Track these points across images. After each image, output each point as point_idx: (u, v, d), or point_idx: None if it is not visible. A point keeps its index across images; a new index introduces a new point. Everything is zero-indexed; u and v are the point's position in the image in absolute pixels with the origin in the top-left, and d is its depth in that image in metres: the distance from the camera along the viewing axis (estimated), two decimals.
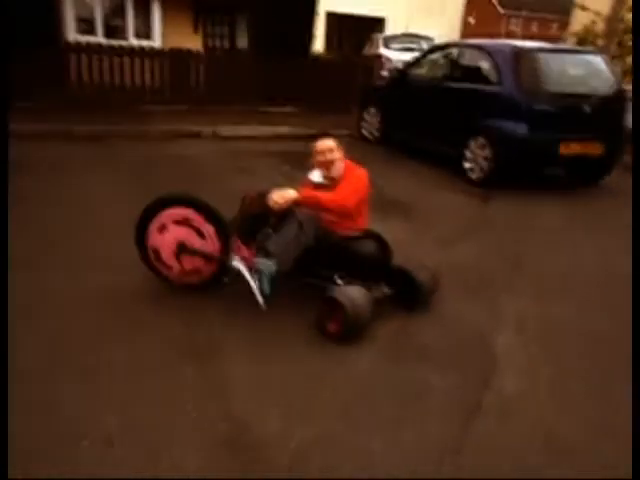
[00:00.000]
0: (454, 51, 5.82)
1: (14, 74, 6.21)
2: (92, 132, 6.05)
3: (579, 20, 10.73)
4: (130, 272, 2.75)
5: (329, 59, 10.93)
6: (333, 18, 16.76)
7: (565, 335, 2.55)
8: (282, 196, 2.36)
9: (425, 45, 12.27)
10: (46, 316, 2.40)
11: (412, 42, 13.47)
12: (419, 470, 1.67)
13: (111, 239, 3.19)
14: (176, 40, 8.29)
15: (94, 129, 6.11)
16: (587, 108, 4.82)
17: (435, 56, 6.21)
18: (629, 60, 8.02)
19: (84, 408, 1.85)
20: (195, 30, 8.90)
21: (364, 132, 6.96)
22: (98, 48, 7.35)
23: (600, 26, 9.16)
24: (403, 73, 6.46)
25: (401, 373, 2.14)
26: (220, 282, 2.57)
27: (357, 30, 17.13)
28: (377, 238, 2.59)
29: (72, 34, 7.96)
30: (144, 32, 8.66)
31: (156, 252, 2.54)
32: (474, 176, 5.16)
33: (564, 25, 19.86)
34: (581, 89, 5.03)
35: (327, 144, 2.59)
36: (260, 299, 2.29)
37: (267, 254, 2.30)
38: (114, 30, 8.51)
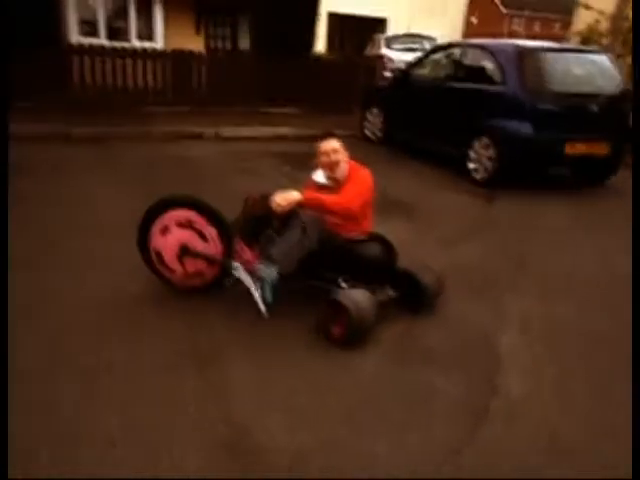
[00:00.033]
0: (457, 51, 5.80)
1: (16, 75, 6.23)
2: (94, 134, 6.05)
3: (582, 19, 10.65)
4: (132, 274, 2.73)
5: (331, 60, 10.91)
6: (335, 18, 16.74)
7: (569, 335, 2.52)
8: (285, 198, 2.33)
9: (427, 45, 12.23)
10: (46, 316, 2.39)
11: (414, 42, 13.44)
12: (423, 472, 1.65)
13: (112, 240, 3.17)
14: (178, 41, 8.29)
15: (96, 131, 6.11)
16: (593, 107, 4.79)
17: (438, 56, 6.18)
18: None
19: (84, 408, 1.84)
20: (197, 31, 8.91)
21: (367, 132, 6.93)
22: (100, 50, 7.36)
23: (604, 25, 9.10)
24: (406, 73, 6.43)
25: (406, 376, 2.12)
26: (222, 285, 2.55)
27: (359, 30, 17.11)
28: (382, 241, 2.56)
29: (75, 36, 7.98)
30: (146, 34, 8.68)
31: (158, 254, 2.52)
32: (478, 176, 5.13)
33: (567, 25, 19.77)
34: (586, 88, 4.99)
35: (332, 145, 2.56)
36: (262, 307, 2.25)
37: (269, 259, 2.26)
38: (116, 32, 8.53)
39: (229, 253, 2.47)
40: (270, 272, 2.22)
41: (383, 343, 2.32)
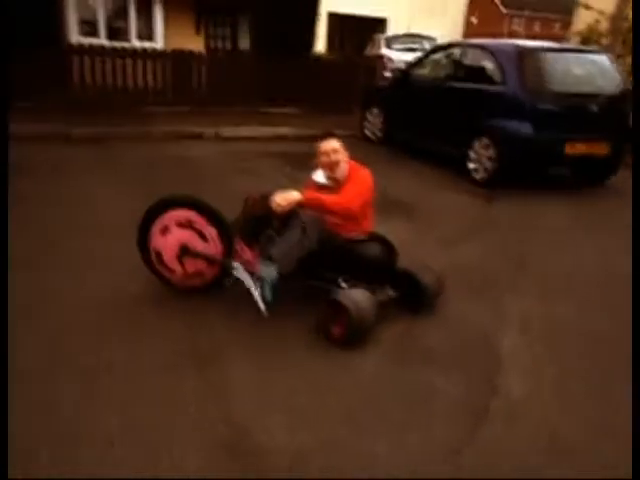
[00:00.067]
0: (457, 51, 5.80)
1: (16, 75, 6.22)
2: (94, 134, 6.05)
3: (582, 19, 10.65)
4: (131, 274, 2.73)
5: (331, 60, 10.91)
6: (335, 19, 16.74)
7: (569, 336, 2.52)
8: (285, 198, 2.33)
9: (427, 45, 12.23)
10: (46, 316, 2.39)
11: (414, 42, 13.45)
12: (423, 472, 1.65)
13: (112, 240, 3.17)
14: (178, 41, 8.29)
15: (96, 131, 6.11)
16: (593, 107, 4.79)
17: (438, 56, 6.18)
18: None
19: (84, 408, 1.84)
20: (197, 31, 8.91)
21: (366, 132, 6.93)
22: (100, 50, 7.36)
23: (604, 25, 9.10)
24: (406, 73, 6.43)
25: (406, 376, 2.12)
26: (222, 285, 2.55)
27: (359, 30, 17.11)
28: (382, 241, 2.56)
29: (75, 36, 7.98)
30: (146, 33, 8.68)
31: (158, 254, 2.52)
32: (478, 176, 5.13)
33: (566, 25, 19.76)
34: (586, 88, 4.99)
35: (332, 145, 2.56)
36: (262, 306, 2.26)
37: (269, 259, 2.26)
38: (117, 32, 8.53)
39: (229, 253, 2.47)
40: (270, 271, 2.22)
41: (383, 343, 2.32)
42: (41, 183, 4.32)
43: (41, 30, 6.77)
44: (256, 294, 2.25)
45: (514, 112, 4.83)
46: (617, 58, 6.91)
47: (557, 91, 4.79)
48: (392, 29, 16.51)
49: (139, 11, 8.55)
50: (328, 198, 2.39)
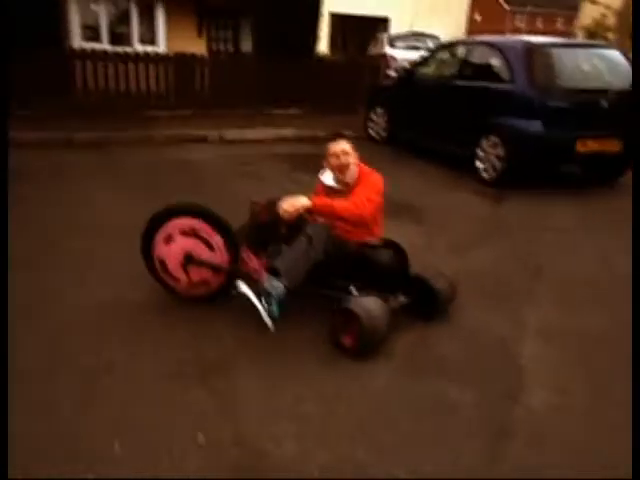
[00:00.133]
0: (462, 49, 5.71)
1: (19, 82, 6.22)
2: (97, 139, 6.01)
3: (588, 14, 10.54)
4: (134, 282, 2.67)
5: (333, 60, 10.84)
6: (337, 18, 16.66)
7: (592, 345, 2.41)
8: (292, 204, 2.25)
9: (431, 44, 12.14)
10: (47, 317, 2.36)
11: (418, 41, 13.36)
12: None
13: (115, 248, 3.10)
14: (180, 45, 8.26)
15: (99, 135, 6.07)
16: (604, 103, 4.67)
17: (443, 54, 6.09)
18: None
19: (84, 408, 1.83)
20: (199, 34, 8.88)
21: (371, 132, 6.85)
22: (103, 55, 7.33)
23: (611, 19, 8.98)
24: (410, 72, 6.35)
25: (419, 388, 2.03)
26: (229, 293, 2.48)
27: (361, 30, 17.03)
28: (394, 246, 2.47)
29: (78, 41, 7.97)
30: (149, 38, 8.66)
31: (162, 263, 2.46)
32: (486, 176, 5.03)
33: (569, 20, 19.58)
34: (597, 84, 4.88)
35: (342, 147, 2.47)
36: (269, 322, 2.15)
37: (275, 273, 2.17)
38: (119, 37, 8.52)
39: (235, 262, 2.40)
40: (276, 286, 2.13)
41: (395, 353, 2.24)
42: (43, 188, 4.27)
43: (42, 32, 6.75)
44: (262, 310, 2.14)
45: (523, 109, 4.73)
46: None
47: (567, 87, 4.69)
48: (395, 28, 16.41)
49: (141, 15, 8.53)
50: (338, 204, 2.30)
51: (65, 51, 7.24)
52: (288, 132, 6.97)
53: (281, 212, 2.26)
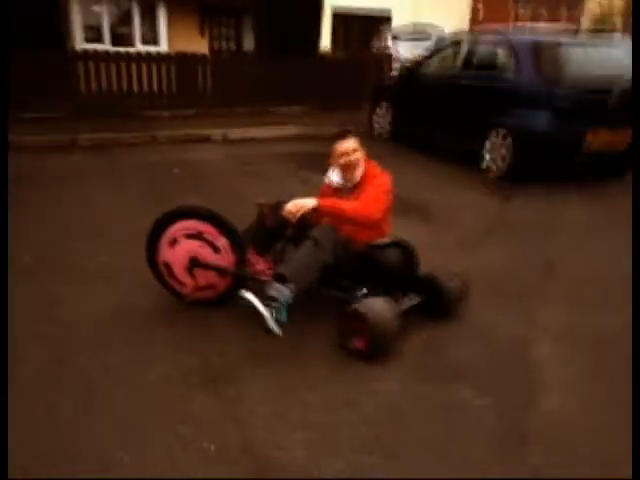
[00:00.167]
0: (468, 43, 5.60)
1: (18, 82, 6.21)
2: (100, 140, 5.99)
3: (594, 0, 10.34)
4: (143, 287, 2.64)
5: (336, 56, 10.74)
6: (339, 14, 16.53)
7: (610, 347, 2.34)
8: (297, 206, 2.19)
9: (434, 36, 11.99)
10: (49, 322, 2.35)
11: (421, 34, 13.20)
12: None
13: (120, 251, 3.08)
14: (182, 44, 8.22)
15: (102, 137, 6.05)
16: (612, 98, 4.56)
17: (448, 49, 5.99)
18: None
19: (85, 409, 1.82)
20: (201, 33, 8.83)
21: (376, 129, 6.78)
22: (105, 55, 7.32)
23: (619, 3, 8.79)
24: (415, 67, 6.26)
25: (433, 393, 1.98)
26: (235, 297, 2.44)
27: (364, 25, 16.86)
28: (403, 245, 2.41)
29: (80, 43, 7.96)
30: (151, 37, 8.63)
31: (168, 267, 2.43)
32: (494, 172, 4.95)
33: (574, 6, 19.24)
34: (605, 78, 4.76)
35: (349, 145, 2.39)
36: (276, 329, 2.09)
37: (282, 279, 2.11)
38: (121, 37, 8.49)
39: (242, 264, 2.36)
40: (283, 292, 2.08)
41: (406, 356, 2.19)
42: (46, 191, 4.26)
43: (43, 33, 6.75)
44: (269, 317, 2.08)
45: (531, 104, 4.64)
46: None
47: (575, 80, 4.58)
48: (397, 21, 16.23)
49: (143, 15, 8.50)
50: (347, 205, 2.24)
51: (67, 52, 7.22)
52: (292, 130, 6.91)
53: (286, 213, 2.21)
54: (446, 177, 5.10)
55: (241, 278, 2.38)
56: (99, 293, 2.63)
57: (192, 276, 2.40)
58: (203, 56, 7.95)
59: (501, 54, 5.06)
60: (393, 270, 2.35)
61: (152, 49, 8.14)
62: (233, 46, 9.44)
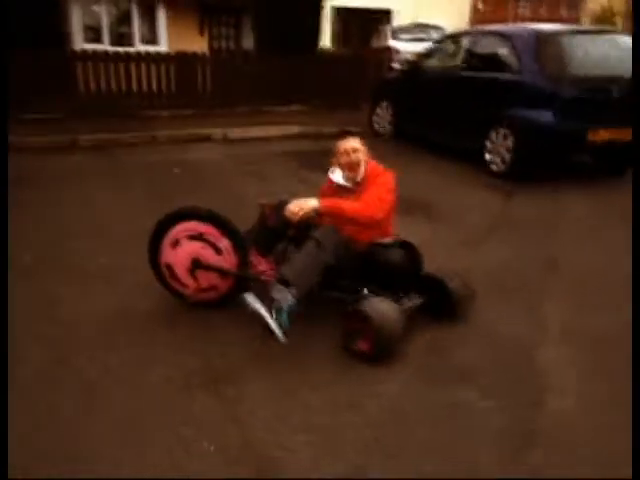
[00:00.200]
0: (469, 39, 5.59)
1: (18, 82, 6.19)
2: (100, 140, 5.97)
3: None
4: (144, 289, 2.62)
5: (335, 53, 10.72)
6: (340, 12, 16.51)
7: (618, 348, 2.30)
8: (299, 206, 2.17)
9: (435, 35, 11.96)
10: (49, 322, 2.35)
11: (422, 32, 13.17)
12: None
13: (121, 252, 3.07)
14: (182, 44, 8.19)
15: (101, 137, 6.03)
16: (616, 92, 4.55)
17: (449, 46, 5.97)
18: None
19: (85, 409, 1.82)
20: (201, 32, 8.80)
21: (376, 127, 6.76)
22: (105, 56, 7.30)
23: (619, 3, 8.78)
24: (416, 65, 6.24)
25: (437, 395, 1.97)
26: (238, 298, 2.42)
27: (364, 23, 16.85)
28: (406, 245, 2.39)
29: (79, 43, 7.94)
30: (150, 37, 8.61)
31: (170, 268, 2.42)
32: (496, 168, 4.93)
33: (574, 6, 19.19)
34: (609, 72, 4.75)
35: (352, 144, 2.38)
36: (279, 334, 2.06)
37: (284, 282, 2.09)
38: (120, 37, 8.47)
39: (244, 265, 2.34)
40: (286, 297, 2.05)
41: (410, 357, 2.17)
42: (46, 192, 4.24)
43: (43, 33, 6.71)
44: (272, 323, 2.05)
45: (533, 100, 4.62)
46: None
47: (578, 75, 4.56)
48: (398, 20, 16.21)
49: (142, 15, 8.47)
50: (349, 206, 2.22)
51: (66, 53, 7.20)
52: (292, 129, 6.89)
53: (288, 214, 2.19)
54: (449, 175, 5.08)
55: (243, 279, 2.36)
56: (99, 293, 2.63)
57: (194, 277, 2.39)
58: (203, 55, 7.93)
59: (502, 50, 5.04)
60: (396, 270, 2.32)
61: (151, 49, 8.11)
62: (233, 45, 9.41)
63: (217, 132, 6.54)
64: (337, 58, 9.45)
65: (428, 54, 6.18)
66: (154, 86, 7.56)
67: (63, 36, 7.47)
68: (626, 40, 5.02)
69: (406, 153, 5.95)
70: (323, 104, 8.27)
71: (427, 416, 1.86)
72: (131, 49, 8.02)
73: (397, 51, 11.52)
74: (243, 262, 2.35)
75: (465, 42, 5.62)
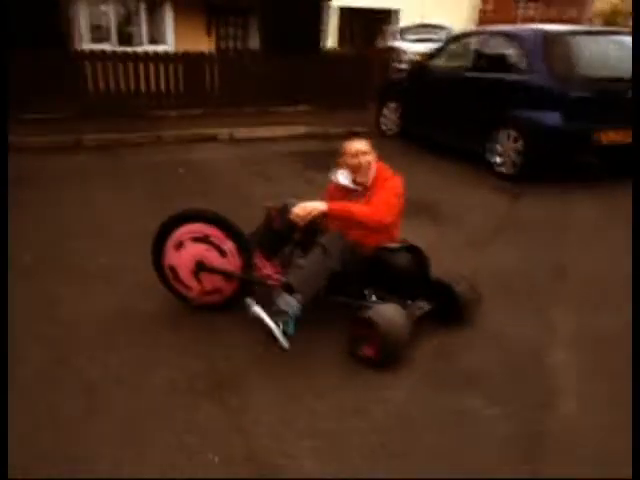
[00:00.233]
0: (476, 40, 5.54)
1: (22, 82, 6.21)
2: (106, 141, 5.97)
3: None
4: (146, 292, 2.60)
5: (341, 54, 10.69)
6: (346, 12, 16.49)
7: (623, 350, 2.26)
8: (305, 209, 2.14)
9: (442, 35, 11.91)
10: (50, 323, 2.34)
11: (428, 33, 13.13)
12: None
13: (124, 253, 3.05)
14: (189, 44, 8.19)
15: (107, 137, 6.03)
16: (625, 92, 4.48)
17: (456, 46, 5.92)
18: None
19: (86, 412, 1.81)
20: (208, 33, 8.81)
21: (383, 127, 6.73)
22: (112, 55, 7.31)
23: (628, 4, 8.68)
24: (423, 65, 6.20)
25: (444, 401, 1.93)
26: (242, 301, 2.39)
27: (370, 23, 16.82)
28: (414, 249, 2.36)
29: (87, 43, 7.96)
30: (157, 37, 8.61)
31: (173, 270, 2.39)
32: (504, 170, 4.88)
33: (583, 6, 19.05)
34: (617, 72, 4.68)
35: (360, 146, 2.34)
36: (284, 342, 2.03)
37: (289, 289, 2.05)
38: (128, 37, 8.49)
39: (248, 268, 2.31)
40: (291, 303, 2.02)
41: (417, 363, 2.13)
42: (51, 192, 4.23)
43: (45, 33, 6.72)
44: (276, 330, 2.02)
45: (541, 101, 4.57)
46: None
47: (587, 76, 4.51)
48: (405, 20, 16.16)
49: (150, 15, 8.48)
50: (358, 209, 2.18)
51: (69, 52, 7.21)
52: (299, 129, 6.87)
53: (293, 217, 2.16)
54: (456, 176, 5.04)
55: (248, 282, 2.33)
56: (99, 293, 2.61)
57: (198, 280, 2.36)
58: (211, 55, 7.93)
59: (509, 50, 4.98)
60: (403, 275, 2.29)
61: (159, 49, 8.12)
62: (240, 46, 9.41)
63: (223, 132, 6.53)
64: (342, 58, 9.42)
65: (434, 55, 6.13)
66: (162, 86, 7.56)
67: (64, 36, 7.48)
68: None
69: (413, 154, 5.91)
70: (329, 104, 8.24)
71: (434, 422, 1.83)
72: (138, 49, 8.03)
73: (403, 51, 11.49)
74: (247, 265, 2.32)
75: (472, 43, 5.58)
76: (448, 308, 2.35)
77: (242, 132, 6.61)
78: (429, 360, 2.17)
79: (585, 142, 4.58)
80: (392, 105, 6.56)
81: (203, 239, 2.31)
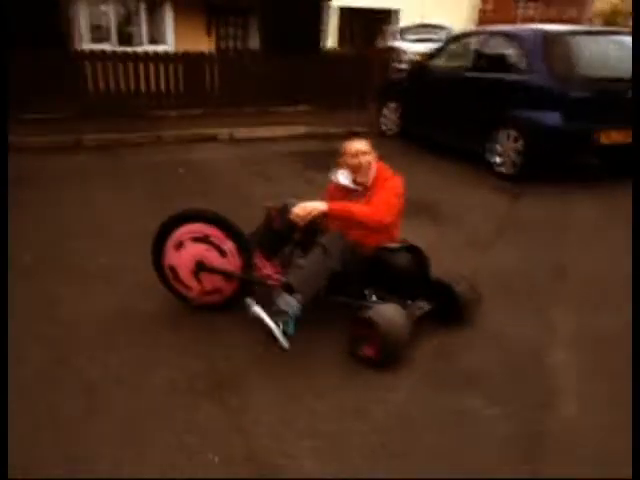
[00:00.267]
0: (477, 40, 5.54)
1: (22, 82, 6.21)
2: (105, 140, 5.97)
3: None
4: (146, 292, 2.60)
5: (341, 54, 10.69)
6: (346, 12, 16.49)
7: (623, 350, 2.26)
8: (305, 209, 2.14)
9: (442, 35, 11.91)
10: (50, 323, 2.33)
11: (428, 33, 13.13)
12: None
13: (124, 253, 3.04)
14: (189, 44, 8.19)
15: (107, 137, 6.03)
16: (625, 93, 4.48)
17: (456, 46, 5.93)
18: None
19: (87, 412, 1.81)
20: (208, 33, 8.81)
21: (383, 127, 6.73)
22: (112, 55, 7.31)
23: (628, 4, 8.67)
24: (423, 65, 6.20)
25: (444, 401, 1.93)
26: (242, 301, 2.40)
27: (370, 23, 16.82)
28: (414, 249, 2.36)
29: (87, 43, 7.96)
30: (157, 37, 8.61)
31: (173, 270, 2.39)
32: (504, 170, 4.88)
33: (582, 6, 19.06)
34: (617, 72, 4.68)
35: (360, 146, 2.34)
36: (284, 342, 2.03)
37: (289, 289, 2.05)
38: (128, 37, 8.49)
39: (248, 268, 2.31)
40: (291, 303, 2.02)
41: (417, 363, 2.14)
42: (52, 192, 4.23)
43: (45, 33, 6.72)
44: (276, 331, 2.02)
45: (541, 101, 4.57)
46: None
47: (587, 76, 4.51)
48: (405, 20, 16.17)
49: (150, 15, 8.48)
50: (359, 209, 2.18)
51: (69, 52, 7.21)
52: (299, 129, 6.87)
53: (293, 217, 2.16)
54: (456, 176, 5.04)
55: (248, 282, 2.33)
56: (99, 293, 2.61)
57: (198, 280, 2.36)
58: (211, 55, 7.93)
59: (509, 50, 4.98)
60: (403, 275, 2.29)
61: (159, 49, 8.12)
62: (240, 46, 9.41)
63: (223, 132, 6.54)
64: (342, 58, 9.42)
65: (434, 55, 6.14)
66: (162, 86, 7.56)
67: (64, 36, 7.48)
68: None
69: (413, 154, 5.91)
70: (329, 104, 8.24)
71: (434, 422, 1.83)
72: (138, 49, 8.03)
73: (403, 51, 11.49)
74: (247, 265, 2.32)
75: (472, 43, 5.58)
76: (448, 308, 2.35)
77: (242, 132, 6.61)
78: (429, 360, 2.17)
79: (585, 142, 4.58)
80: (392, 105, 6.56)
81: (203, 239, 2.31)
